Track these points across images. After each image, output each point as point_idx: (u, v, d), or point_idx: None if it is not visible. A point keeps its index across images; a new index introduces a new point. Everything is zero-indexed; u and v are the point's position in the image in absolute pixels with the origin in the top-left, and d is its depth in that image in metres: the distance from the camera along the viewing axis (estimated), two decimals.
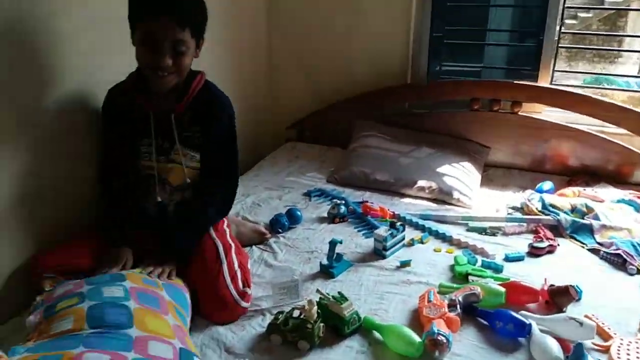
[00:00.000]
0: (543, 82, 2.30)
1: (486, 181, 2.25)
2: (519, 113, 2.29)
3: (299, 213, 1.90)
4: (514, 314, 1.30)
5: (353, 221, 1.92)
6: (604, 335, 1.27)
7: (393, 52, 2.47)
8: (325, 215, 1.96)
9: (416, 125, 2.45)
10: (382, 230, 1.68)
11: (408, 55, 2.46)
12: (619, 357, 1.17)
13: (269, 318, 1.36)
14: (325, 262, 1.59)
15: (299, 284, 1.44)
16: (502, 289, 1.39)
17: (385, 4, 2.41)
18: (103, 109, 1.51)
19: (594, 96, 2.18)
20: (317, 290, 1.38)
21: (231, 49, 2.37)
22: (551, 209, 1.92)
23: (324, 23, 2.55)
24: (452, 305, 1.33)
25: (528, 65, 2.38)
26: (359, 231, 1.85)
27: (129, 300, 1.15)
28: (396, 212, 1.95)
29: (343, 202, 1.99)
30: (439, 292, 1.44)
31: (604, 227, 1.78)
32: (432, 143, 2.34)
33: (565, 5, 2.23)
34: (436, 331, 1.20)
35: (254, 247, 1.75)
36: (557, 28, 2.25)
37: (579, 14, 6.87)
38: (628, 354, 1.18)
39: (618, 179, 2.18)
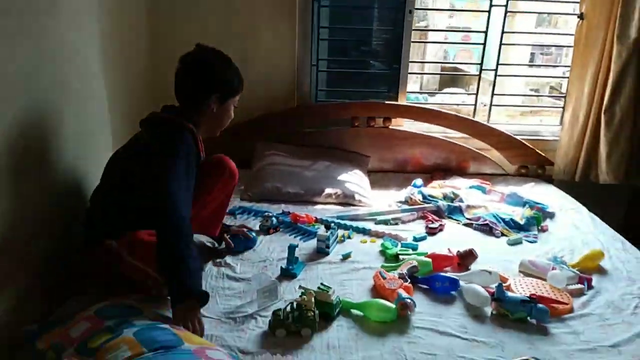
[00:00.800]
0: (401, 100, 2.90)
1: (372, 184, 2.73)
2: (390, 127, 2.84)
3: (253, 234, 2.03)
4: (445, 274, 1.75)
5: (286, 230, 2.18)
6: (502, 278, 1.79)
7: (282, 79, 2.80)
8: (258, 228, 2.18)
9: (308, 142, 2.82)
10: (323, 232, 1.99)
11: (294, 82, 2.81)
12: (516, 288, 1.71)
13: (261, 320, 1.55)
14: (285, 266, 1.83)
15: (277, 285, 1.66)
16: (429, 260, 1.83)
17: (275, 37, 2.72)
18: (188, 152, 1.59)
19: (441, 110, 2.84)
20: (300, 287, 1.63)
21: (120, 80, 2.32)
22: (430, 198, 2.48)
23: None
24: (402, 278, 1.71)
25: (387, 88, 2.96)
26: (295, 237, 2.12)
27: (161, 324, 1.24)
28: (318, 217, 2.28)
29: (270, 214, 2.23)
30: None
31: (468, 207, 2.40)
32: (325, 156, 2.73)
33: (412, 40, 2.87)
34: (404, 297, 1.57)
35: (210, 264, 1.88)
36: (408, 57, 2.87)
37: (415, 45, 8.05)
38: (521, 286, 1.72)
39: (462, 172, 2.88)
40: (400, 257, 1.93)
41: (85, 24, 1.83)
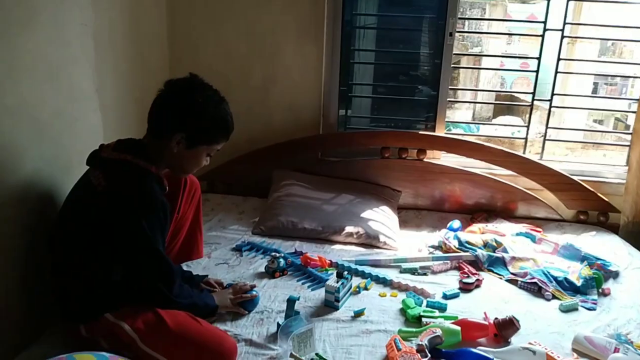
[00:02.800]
0: (440, 131, 2.58)
1: (402, 223, 2.41)
2: (424, 160, 2.52)
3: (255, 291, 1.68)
4: (475, 351, 1.40)
5: (294, 274, 1.90)
6: (550, 359, 1.43)
7: (307, 104, 2.57)
8: (263, 270, 1.91)
9: (331, 173, 2.55)
10: (333, 282, 1.69)
11: (320, 107, 2.57)
12: None
13: None
14: (282, 321, 1.54)
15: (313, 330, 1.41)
16: (457, 328, 1.49)
17: (299, 60, 2.51)
18: (162, 205, 1.37)
19: (485, 144, 2.50)
20: (291, 355, 1.33)
21: (140, 102, 2.22)
22: (467, 245, 2.13)
23: (238, 76, 2.56)
24: (421, 351, 1.38)
25: (424, 117, 2.66)
26: (303, 284, 1.84)
27: None
28: (333, 261, 1.98)
29: (281, 254, 1.96)
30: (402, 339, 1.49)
31: (513, 258, 2.03)
32: (350, 189, 2.44)
33: (452, 65, 2.57)
34: None
35: None
36: (447, 84, 2.57)
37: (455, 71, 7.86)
38: None
39: (508, 214, 2.51)
40: (424, 320, 1.59)
41: (72, 41, 1.66)
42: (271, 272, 1.88)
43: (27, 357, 1.33)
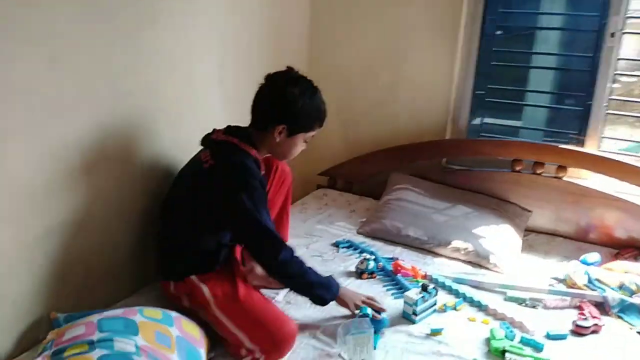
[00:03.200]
0: (590, 147, 2.21)
1: (527, 247, 2.13)
2: (564, 178, 2.18)
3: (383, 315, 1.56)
4: None
5: (382, 278, 1.83)
6: None
7: (434, 107, 2.44)
8: (353, 269, 1.88)
9: (452, 182, 2.37)
10: (413, 293, 1.58)
11: (449, 111, 2.42)
12: None
13: None
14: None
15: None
16: None
17: (431, 60, 2.40)
18: (261, 182, 1.50)
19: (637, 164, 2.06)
20: (339, 355, 1.29)
21: None
22: (597, 283, 1.78)
23: (367, 75, 2.55)
24: None
25: (573, 129, 2.30)
26: (387, 290, 1.76)
27: (140, 357, 1.08)
28: (428, 273, 1.85)
29: (373, 257, 1.90)
30: None
31: None
32: (469, 202, 2.25)
33: (615, 72, 2.17)
34: None
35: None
36: (607, 93, 2.18)
37: (621, 78, 6.76)
38: None
39: None
40: (507, 355, 1.38)
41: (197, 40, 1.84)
42: (359, 273, 1.84)
43: (125, 304, 1.53)
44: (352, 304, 1.54)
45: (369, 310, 1.51)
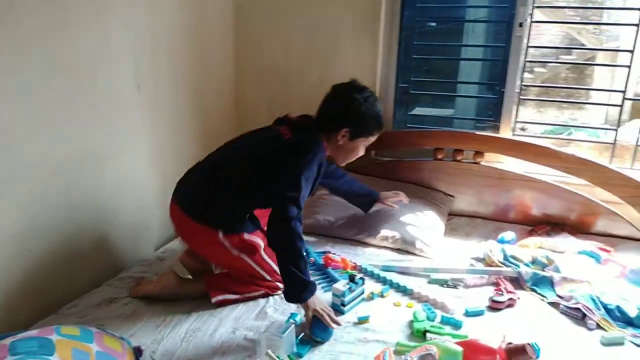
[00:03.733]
0: (504, 133, 2.35)
1: (450, 230, 2.25)
2: (482, 163, 2.31)
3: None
4: None
5: (314, 273, 1.88)
6: None
7: None
8: None
9: (381, 173, 2.45)
10: (341, 285, 1.64)
11: None
12: None
13: None
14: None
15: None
16: (459, 349, 1.35)
17: (355, 56, 2.46)
18: (319, 164, 1.66)
19: (554, 147, 2.22)
20: (267, 354, 1.32)
21: (198, 104, 2.37)
22: (512, 260, 1.92)
23: (296, 74, 2.58)
24: None
25: (492, 116, 2.45)
26: (318, 284, 1.80)
27: None
28: (358, 264, 1.92)
29: (305, 252, 1.94)
30: (395, 352, 1.40)
31: (564, 279, 1.77)
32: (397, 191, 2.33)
33: (526, 60, 2.31)
34: None
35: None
36: (518, 81, 2.32)
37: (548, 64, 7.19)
38: None
39: (580, 229, 2.20)
40: (428, 335, 1.47)
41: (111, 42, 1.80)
42: None
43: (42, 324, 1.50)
44: (310, 310, 1.52)
45: (298, 317, 1.54)
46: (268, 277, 1.73)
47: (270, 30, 2.57)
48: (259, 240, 1.72)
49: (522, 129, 2.84)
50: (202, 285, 1.71)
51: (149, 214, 2.07)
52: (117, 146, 1.85)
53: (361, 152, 1.82)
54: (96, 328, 1.31)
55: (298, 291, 1.54)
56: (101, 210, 1.82)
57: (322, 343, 1.47)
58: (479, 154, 2.30)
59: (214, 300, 1.66)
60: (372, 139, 1.79)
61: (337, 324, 1.53)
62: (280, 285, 1.71)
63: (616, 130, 2.26)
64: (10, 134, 1.45)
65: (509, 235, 2.09)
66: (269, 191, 1.64)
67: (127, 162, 1.92)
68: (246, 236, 1.69)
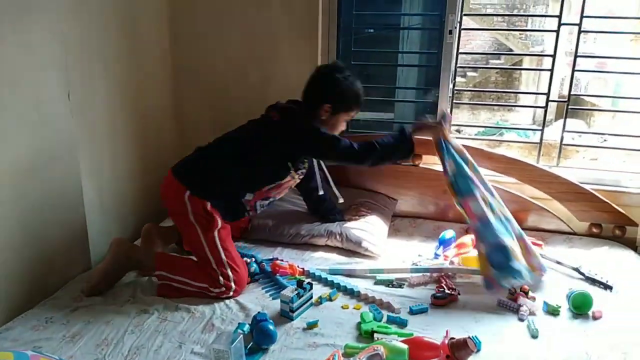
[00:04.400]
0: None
1: (393, 232, 2.31)
2: (420, 165, 2.40)
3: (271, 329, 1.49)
4: None
5: (262, 281, 1.87)
6: None
7: None
8: None
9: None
10: (289, 291, 1.64)
11: None
12: None
13: None
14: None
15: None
16: (405, 347, 1.39)
17: (295, 60, 2.47)
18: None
19: (485, 149, 2.34)
20: None
21: (134, 110, 2.30)
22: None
23: (237, 78, 2.56)
24: None
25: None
26: (266, 292, 1.80)
27: None
28: (306, 269, 1.93)
29: (253, 259, 1.94)
30: (344, 354, 1.42)
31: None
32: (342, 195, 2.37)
33: (457, 65, 2.42)
34: None
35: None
36: (451, 86, 2.43)
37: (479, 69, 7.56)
38: None
39: None
40: (376, 335, 1.51)
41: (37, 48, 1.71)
42: None
43: None
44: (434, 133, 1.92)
45: (246, 327, 1.49)
46: (213, 264, 1.75)
47: (207, 32, 2.53)
48: (218, 220, 1.79)
49: (458, 131, 2.97)
50: (152, 255, 1.81)
51: (83, 228, 1.97)
52: (45, 157, 1.75)
53: (342, 127, 2.01)
54: (32, 351, 1.24)
55: (406, 146, 1.94)
56: (29, 227, 1.71)
57: (266, 350, 1.46)
58: (417, 156, 2.38)
59: (156, 273, 1.76)
60: (353, 114, 1.99)
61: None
62: (222, 281, 1.73)
63: (542, 130, 2.42)
64: None
65: (449, 233, 2.17)
66: (256, 172, 1.86)
67: (58, 174, 1.82)
68: (209, 207, 1.78)
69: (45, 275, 1.78)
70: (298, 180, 2.02)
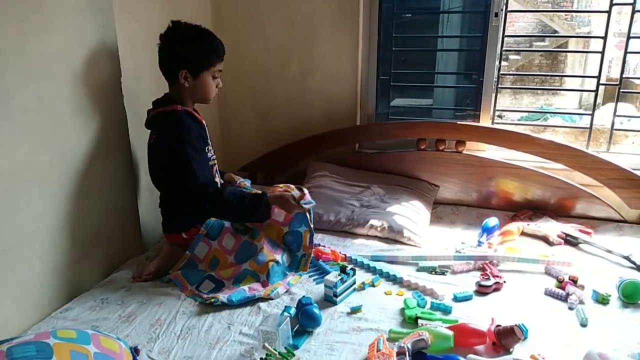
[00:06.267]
0: (484, 121, 2.40)
1: (435, 219, 2.30)
2: (464, 152, 2.36)
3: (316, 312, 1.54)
4: (461, 358, 1.31)
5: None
6: None
7: (344, 95, 2.53)
8: None
9: (366, 165, 2.49)
10: (332, 276, 1.67)
11: (357, 98, 2.52)
12: None
13: None
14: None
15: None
16: (450, 333, 1.39)
17: (335, 50, 2.47)
18: (187, 131, 1.74)
19: (532, 134, 2.28)
20: (264, 347, 1.35)
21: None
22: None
23: (278, 66, 2.58)
24: (401, 353, 1.32)
25: (471, 105, 2.50)
26: (310, 276, 1.84)
27: None
28: (348, 255, 1.95)
29: None
30: (388, 339, 1.43)
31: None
32: (383, 182, 2.37)
33: (503, 49, 2.36)
34: None
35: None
36: (496, 71, 2.37)
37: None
38: None
39: (560, 213, 2.27)
40: (420, 321, 1.51)
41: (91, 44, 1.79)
42: None
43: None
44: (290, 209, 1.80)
45: (292, 310, 1.54)
46: None
47: (249, 25, 2.56)
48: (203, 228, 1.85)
49: (500, 117, 2.91)
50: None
51: (136, 214, 2.06)
52: (101, 146, 1.83)
53: (214, 83, 1.82)
54: (92, 330, 1.32)
55: (258, 210, 1.77)
56: (85, 212, 1.80)
57: (312, 332, 1.49)
58: (460, 143, 2.35)
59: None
60: (219, 66, 1.80)
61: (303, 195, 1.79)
62: None
63: (592, 115, 2.34)
64: None
65: (492, 221, 2.14)
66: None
67: (113, 162, 1.91)
68: (184, 235, 1.86)
69: (100, 259, 1.88)
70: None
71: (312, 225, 1.88)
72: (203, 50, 1.75)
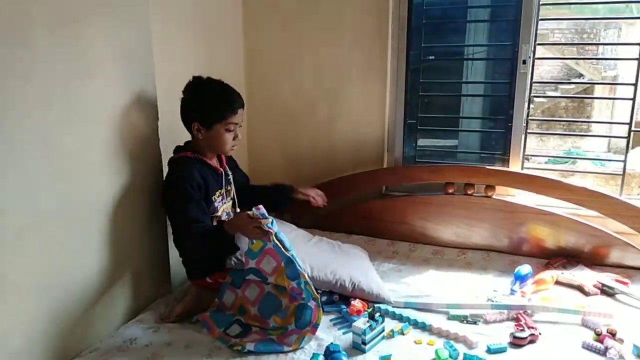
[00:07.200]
0: (514, 166, 2.39)
1: (465, 265, 2.25)
2: (493, 197, 2.34)
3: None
4: None
5: (329, 309, 1.87)
6: None
7: (370, 139, 2.56)
8: None
9: (391, 207, 2.48)
10: (361, 322, 1.64)
11: (384, 142, 2.55)
12: None
13: None
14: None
15: None
16: None
17: (364, 95, 2.52)
18: (187, 180, 1.77)
19: (564, 180, 2.24)
20: None
21: None
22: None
23: (306, 110, 2.65)
24: None
25: (499, 150, 2.49)
26: (334, 324, 1.80)
27: None
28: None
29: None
30: None
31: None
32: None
33: (531, 95, 2.36)
34: None
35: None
36: (524, 115, 2.37)
37: (548, 94, 7.31)
38: None
39: (594, 261, 2.20)
40: None
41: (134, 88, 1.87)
42: None
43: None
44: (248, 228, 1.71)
45: (321, 358, 1.52)
46: None
47: (280, 70, 2.65)
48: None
49: (527, 159, 2.88)
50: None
51: (165, 255, 2.08)
52: (135, 189, 1.88)
53: (230, 136, 1.85)
54: None
55: (225, 246, 1.80)
56: (117, 250, 1.83)
57: None
58: (490, 187, 2.33)
59: None
60: (233, 119, 1.82)
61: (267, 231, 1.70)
62: None
63: (624, 161, 2.30)
64: None
65: (525, 268, 2.08)
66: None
67: (144, 204, 1.95)
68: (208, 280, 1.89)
69: (129, 299, 1.89)
70: (229, 201, 2.00)
71: (292, 254, 1.73)
72: (216, 104, 1.81)
